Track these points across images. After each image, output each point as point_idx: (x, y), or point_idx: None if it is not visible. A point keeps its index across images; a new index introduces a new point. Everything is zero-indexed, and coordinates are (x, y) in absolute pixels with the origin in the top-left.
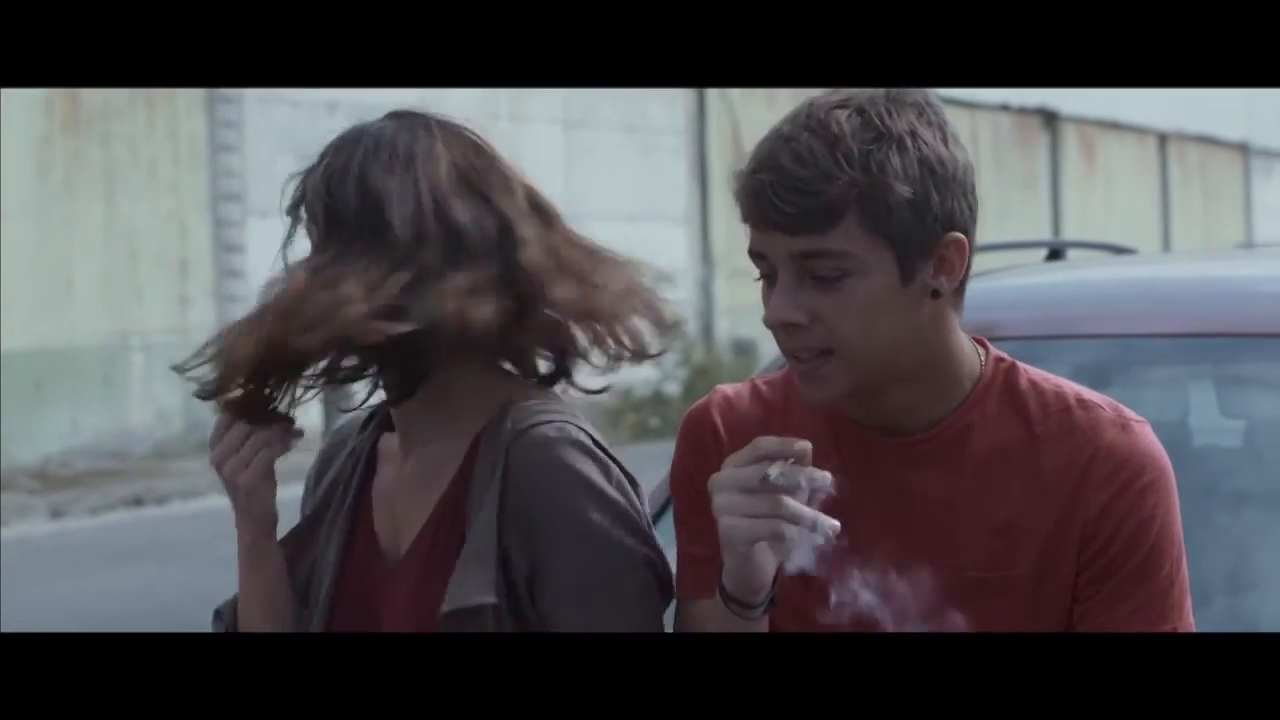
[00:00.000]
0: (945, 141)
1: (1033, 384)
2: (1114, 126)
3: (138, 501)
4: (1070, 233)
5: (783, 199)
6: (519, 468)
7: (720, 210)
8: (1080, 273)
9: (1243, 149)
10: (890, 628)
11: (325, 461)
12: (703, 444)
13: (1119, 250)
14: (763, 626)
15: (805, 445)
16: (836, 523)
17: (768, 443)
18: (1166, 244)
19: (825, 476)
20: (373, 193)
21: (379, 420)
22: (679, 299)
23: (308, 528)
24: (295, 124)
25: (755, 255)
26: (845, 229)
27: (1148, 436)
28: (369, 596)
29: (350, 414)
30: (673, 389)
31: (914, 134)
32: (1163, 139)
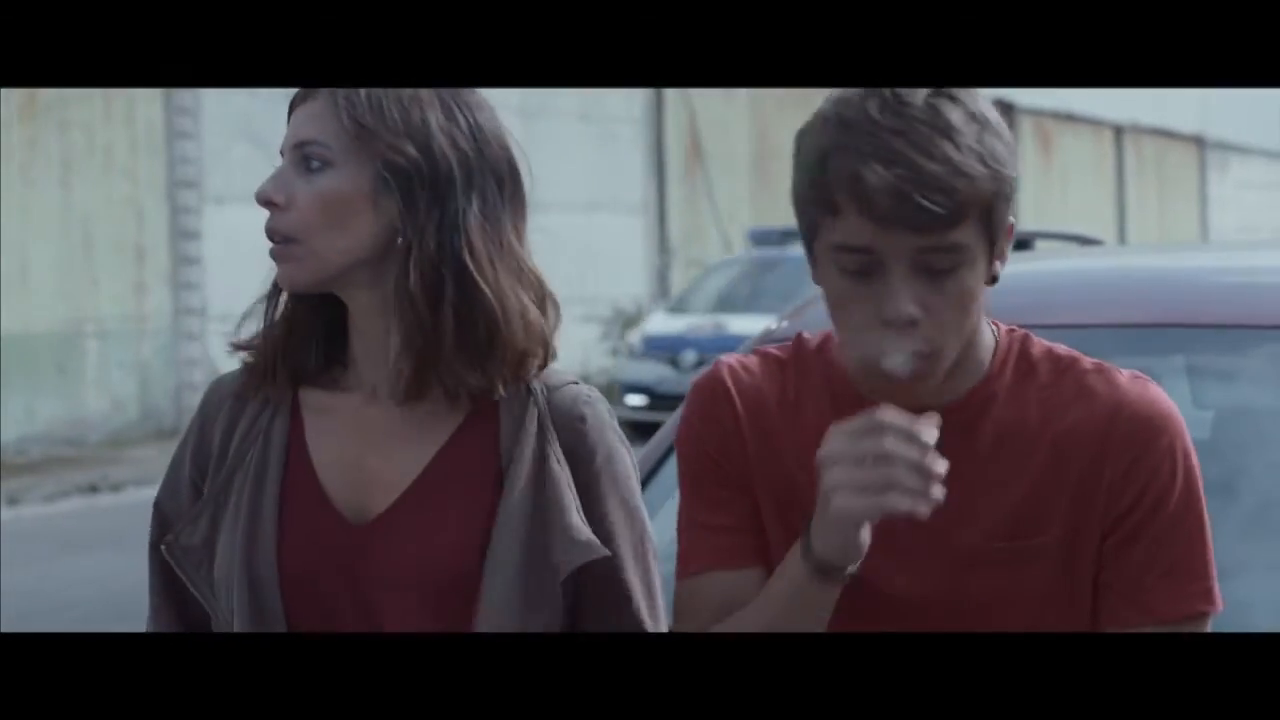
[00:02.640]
0: (1000, 128)
1: (1046, 351)
2: (1070, 119)
3: (93, 489)
4: (1026, 226)
5: (929, 198)
6: (566, 417)
7: (677, 200)
8: (1049, 263)
9: (1198, 142)
10: (918, 601)
11: (219, 424)
12: (718, 414)
13: (1087, 241)
14: (836, 595)
15: (932, 426)
16: (941, 492)
17: (890, 415)
18: (1122, 236)
19: (933, 434)
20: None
21: (286, 376)
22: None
23: (218, 494)
24: (252, 112)
25: (853, 249)
26: (967, 226)
27: (1164, 395)
28: (331, 555)
29: (227, 374)
30: None
31: (995, 121)
32: (1119, 132)
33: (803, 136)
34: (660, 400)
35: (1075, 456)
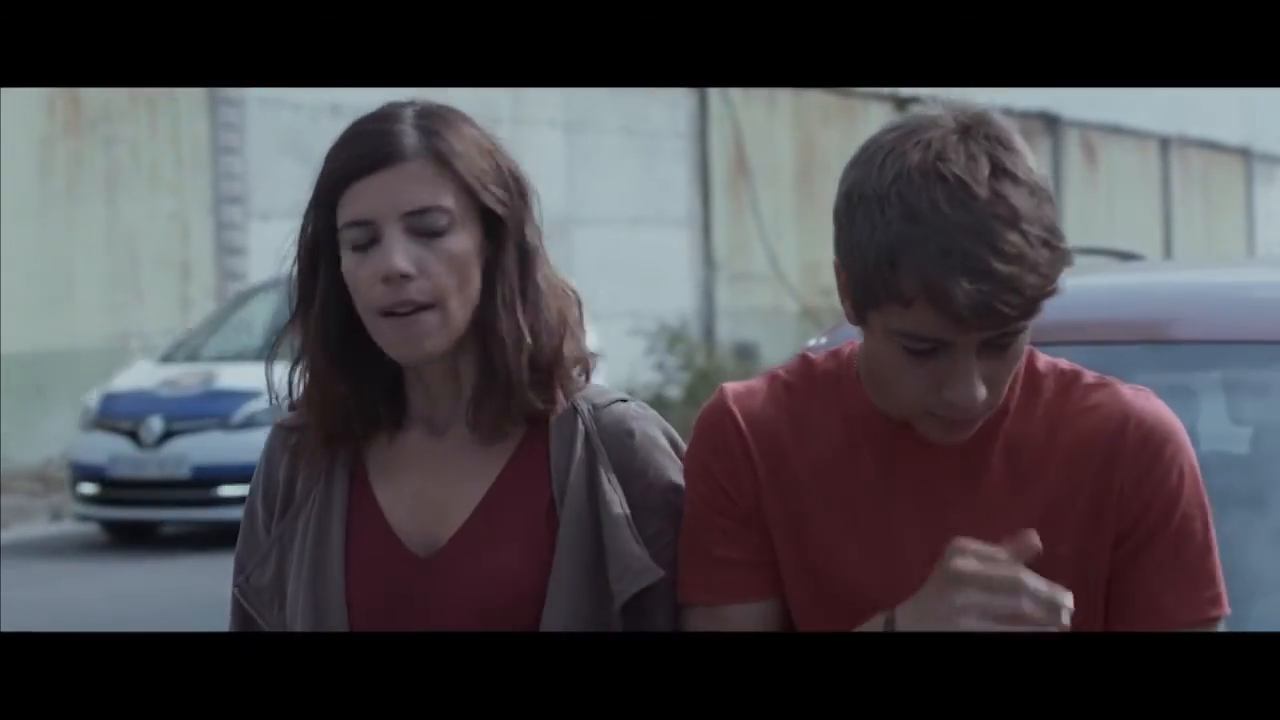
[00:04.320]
0: (1036, 172)
1: (1050, 365)
2: (1116, 131)
3: None
4: (1072, 238)
5: (1008, 303)
6: (614, 434)
7: (722, 213)
8: (1087, 279)
9: (1244, 154)
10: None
11: (282, 467)
12: (727, 445)
13: (1126, 256)
14: None
15: (1069, 597)
16: (1069, 612)
17: (1031, 580)
18: (1168, 250)
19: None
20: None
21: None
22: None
23: (284, 535)
24: (297, 127)
25: (922, 338)
26: (1044, 302)
27: (1166, 407)
28: (398, 588)
29: (288, 418)
30: (674, 393)
31: (1038, 171)
32: (1164, 143)
33: (861, 204)
34: (115, 489)
35: (1086, 468)
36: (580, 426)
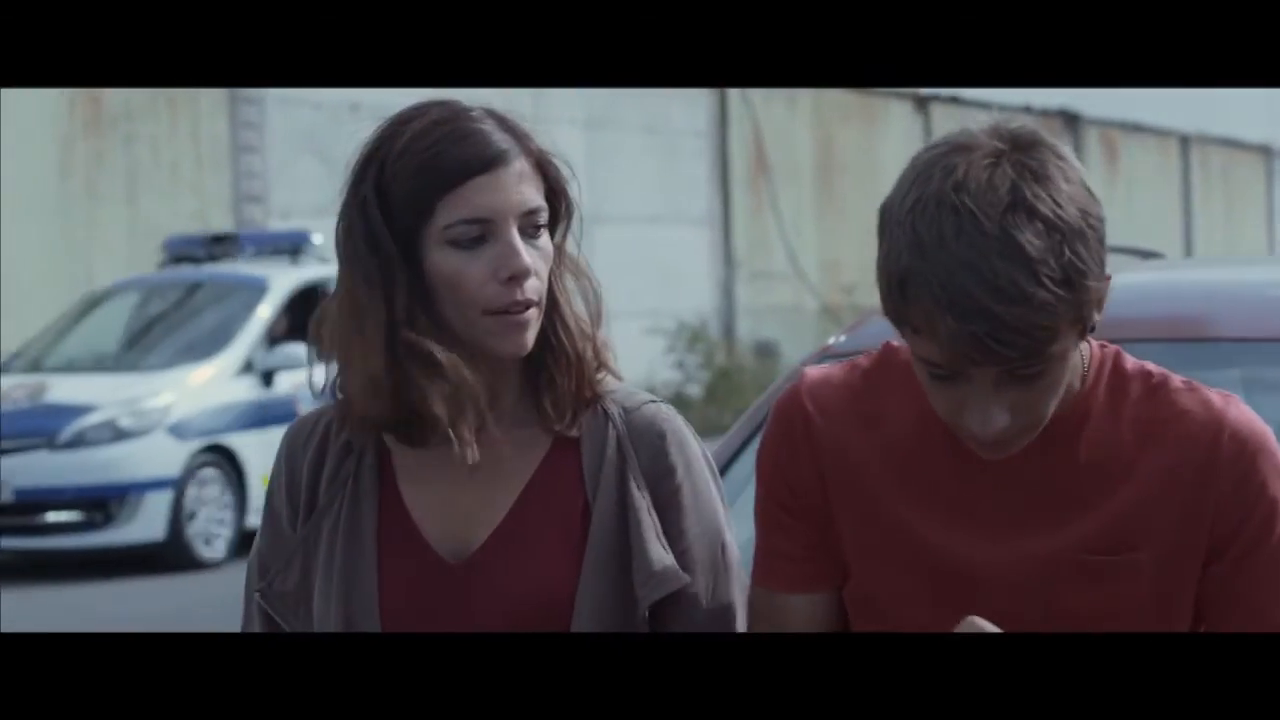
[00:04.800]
0: (1083, 184)
1: (1138, 368)
2: (1136, 129)
3: None
4: None
5: (1006, 344)
6: (644, 436)
7: (741, 212)
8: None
9: (1265, 152)
10: (1010, 614)
11: (304, 467)
12: (793, 436)
13: (1146, 255)
14: None
15: None
16: None
17: None
18: (1189, 248)
19: None
20: None
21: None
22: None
23: (308, 538)
24: (317, 125)
25: (935, 364)
26: (1056, 341)
27: (1252, 412)
28: (430, 595)
29: (306, 415)
30: (694, 391)
31: (1078, 205)
32: (1185, 141)
33: (885, 226)
34: None
35: (1179, 478)
36: (611, 431)
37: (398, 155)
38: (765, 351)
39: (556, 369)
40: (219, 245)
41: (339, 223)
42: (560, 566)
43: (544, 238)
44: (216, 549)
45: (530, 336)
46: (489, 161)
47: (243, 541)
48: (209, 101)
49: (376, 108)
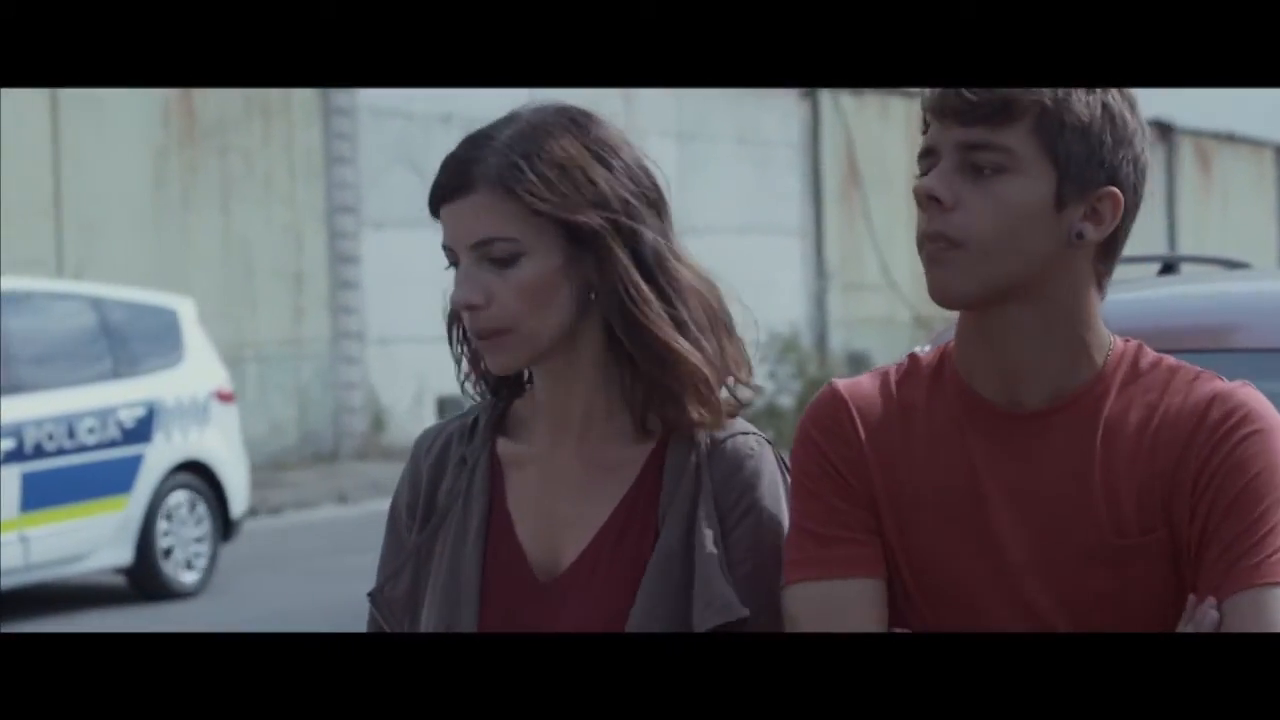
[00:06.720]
0: (1131, 108)
1: (1157, 359)
2: (1230, 139)
3: (252, 512)
4: (1186, 247)
5: (971, 89)
6: (724, 467)
7: (834, 222)
8: (1191, 287)
9: None
10: (1041, 600)
11: (424, 477)
12: (840, 428)
13: (1232, 265)
14: None
15: None
16: None
17: None
18: None
19: None
20: None
21: (488, 426)
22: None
23: (421, 548)
24: (409, 136)
25: (922, 155)
26: (1017, 130)
27: (1262, 397)
28: (522, 616)
29: (433, 426)
30: (787, 402)
31: (1107, 91)
32: (1279, 151)
33: None
34: None
35: (1173, 450)
36: (693, 459)
37: None
38: (857, 362)
39: (639, 386)
40: None
41: None
42: (627, 598)
43: (518, 266)
44: None
45: (504, 359)
46: (448, 192)
47: None
48: (302, 112)
49: (468, 119)
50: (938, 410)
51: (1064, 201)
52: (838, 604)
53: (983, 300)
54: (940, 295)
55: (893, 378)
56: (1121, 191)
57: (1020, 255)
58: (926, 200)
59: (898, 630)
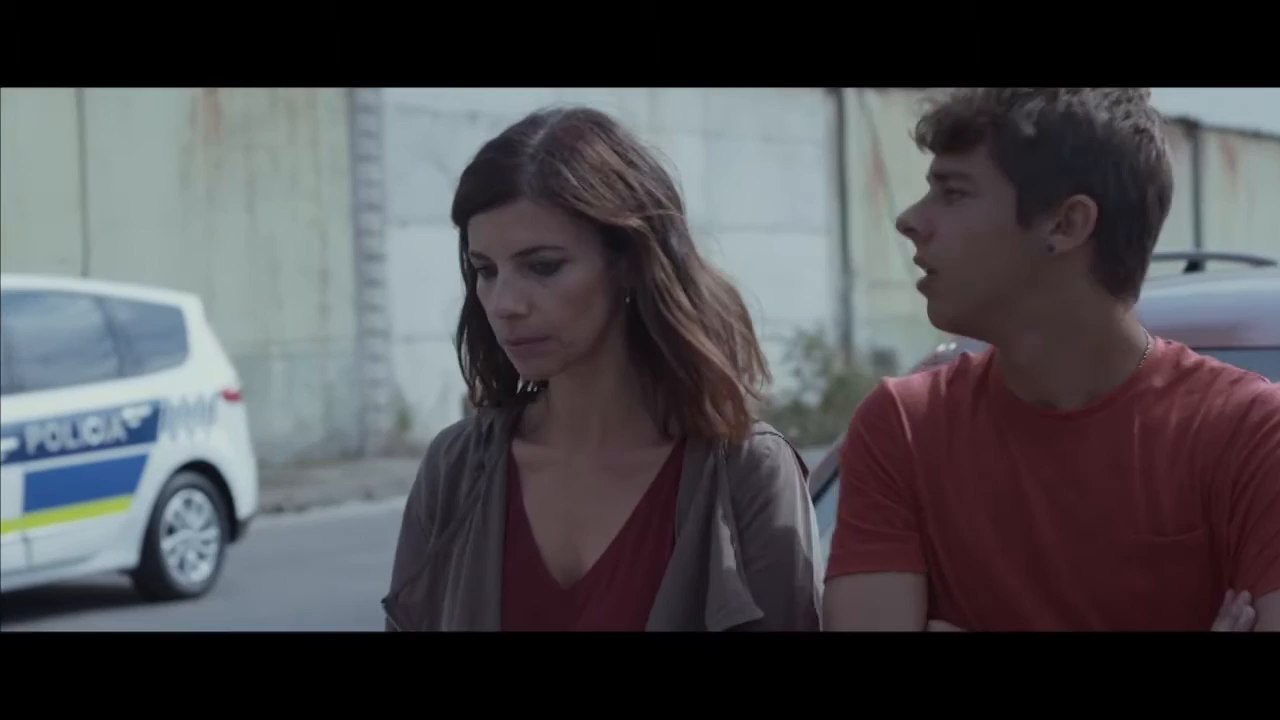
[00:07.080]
0: (1113, 109)
1: (1199, 361)
2: (1256, 136)
3: (278, 509)
4: (1212, 245)
5: (929, 120)
6: (742, 467)
7: (859, 220)
8: (1216, 284)
9: None
10: (1080, 599)
11: (442, 481)
12: (887, 425)
13: (1259, 262)
14: None
15: None
16: None
17: None
18: None
19: None
20: None
21: (504, 430)
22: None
23: (438, 553)
24: (435, 134)
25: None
26: (977, 154)
27: None
28: (543, 622)
29: (449, 428)
30: (812, 399)
31: (1077, 95)
32: None
33: None
34: None
35: (1213, 450)
36: (710, 459)
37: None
38: (883, 360)
39: (661, 389)
40: None
41: None
42: (646, 600)
43: (562, 273)
44: None
45: (541, 365)
46: (488, 200)
47: None
48: (327, 110)
49: (494, 117)
50: (981, 410)
51: (1028, 217)
52: (877, 598)
53: (967, 321)
54: (933, 320)
55: (943, 377)
56: (1096, 197)
57: (989, 277)
58: (905, 231)
59: (935, 623)
